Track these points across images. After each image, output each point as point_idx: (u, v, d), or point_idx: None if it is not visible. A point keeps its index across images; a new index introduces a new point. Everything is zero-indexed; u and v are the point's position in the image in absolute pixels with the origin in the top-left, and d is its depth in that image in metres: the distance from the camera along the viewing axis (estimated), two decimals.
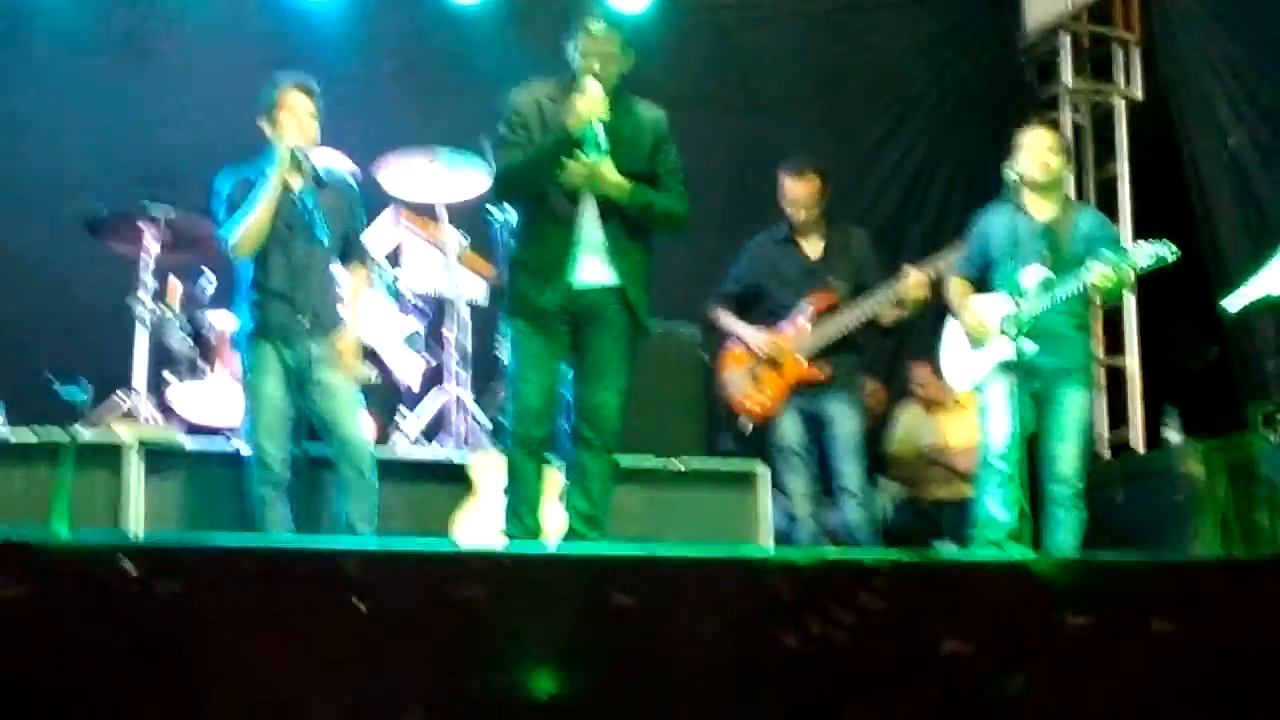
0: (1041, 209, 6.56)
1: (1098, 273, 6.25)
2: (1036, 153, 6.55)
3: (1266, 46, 8.53)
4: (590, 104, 5.57)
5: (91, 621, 3.02)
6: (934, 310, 7.12)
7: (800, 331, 7.12)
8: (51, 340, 7.93)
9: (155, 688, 3.02)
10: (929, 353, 7.49)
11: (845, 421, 7.09)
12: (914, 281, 6.96)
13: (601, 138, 5.59)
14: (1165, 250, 6.26)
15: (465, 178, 7.61)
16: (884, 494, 8.41)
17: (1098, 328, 8.54)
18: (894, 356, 9.00)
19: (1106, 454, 9.36)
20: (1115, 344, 9.58)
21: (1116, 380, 9.61)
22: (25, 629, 2.97)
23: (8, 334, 8.19)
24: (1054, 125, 7.12)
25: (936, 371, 7.24)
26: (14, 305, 8.32)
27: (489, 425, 7.29)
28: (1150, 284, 6.93)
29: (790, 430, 7.13)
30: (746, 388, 7.21)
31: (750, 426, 7.27)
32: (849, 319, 7.09)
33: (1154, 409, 8.99)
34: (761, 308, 7.32)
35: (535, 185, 5.72)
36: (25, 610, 2.97)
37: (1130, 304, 9.41)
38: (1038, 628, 3.52)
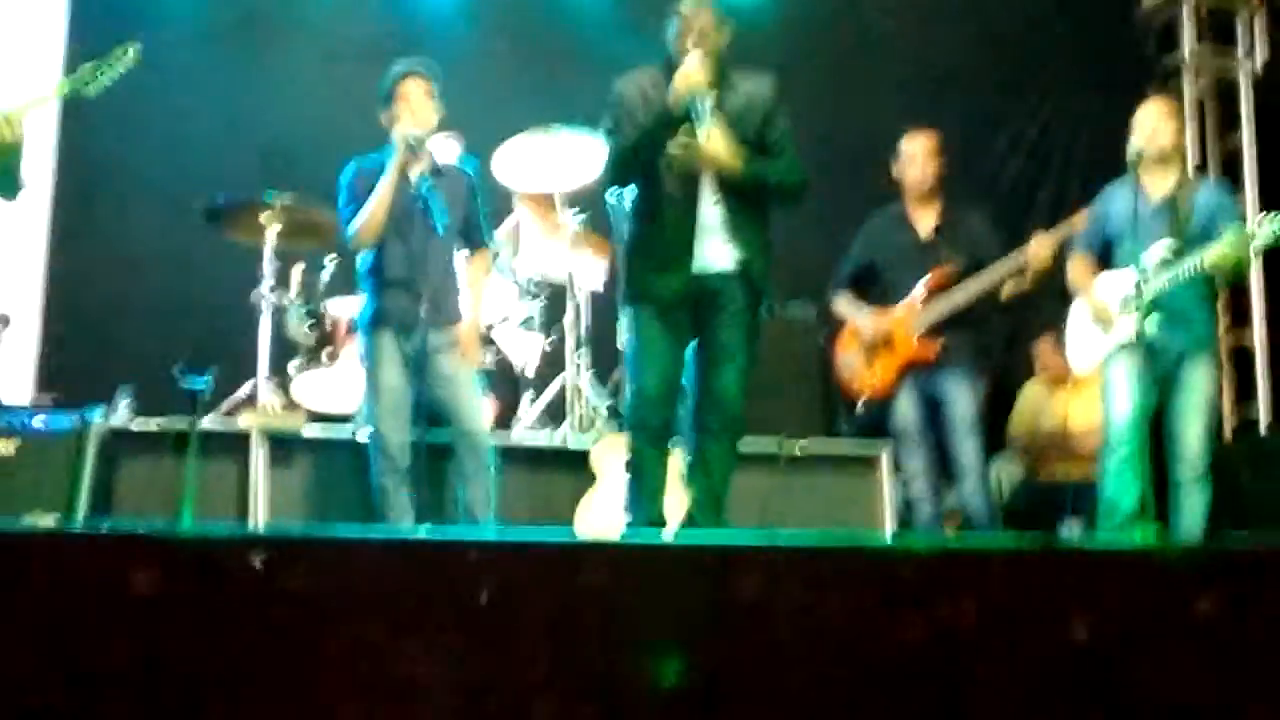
0: (1161, 184, 6.47)
1: (1218, 249, 6.17)
2: (1149, 127, 6.46)
3: None
4: (690, 78, 5.53)
5: (217, 613, 3.06)
6: (1056, 288, 7.04)
7: (913, 309, 7.06)
8: (175, 330, 8.05)
9: (280, 679, 3.06)
10: (1052, 330, 7.41)
11: (961, 400, 6.98)
12: (1037, 246, 6.86)
13: (707, 112, 5.55)
14: None
15: (583, 160, 7.59)
16: (1005, 474, 8.34)
17: (1222, 304, 8.42)
18: (1014, 334, 8.91)
19: (1230, 433, 9.22)
20: (1240, 320, 9.41)
21: (1242, 357, 9.44)
22: (154, 622, 3.02)
23: (132, 324, 8.35)
24: (1168, 96, 6.99)
25: (1059, 348, 7.16)
26: (137, 295, 8.48)
27: (609, 411, 7.30)
28: (1273, 255, 6.82)
29: (906, 410, 7.07)
30: (860, 368, 7.17)
31: (864, 408, 7.24)
32: (963, 295, 7.00)
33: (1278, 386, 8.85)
34: (878, 287, 7.26)
35: (645, 167, 5.68)
36: (154, 603, 3.02)
37: (1256, 279, 9.24)
38: (1164, 613, 3.47)
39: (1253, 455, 7.91)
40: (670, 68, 5.63)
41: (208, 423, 6.47)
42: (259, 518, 6.38)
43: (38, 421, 6.25)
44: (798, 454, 7.12)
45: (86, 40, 8.61)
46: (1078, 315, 6.70)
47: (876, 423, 7.26)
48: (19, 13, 8.67)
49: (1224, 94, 9.87)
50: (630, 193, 5.95)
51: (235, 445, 6.48)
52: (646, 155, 5.63)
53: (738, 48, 5.79)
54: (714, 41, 5.68)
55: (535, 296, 7.69)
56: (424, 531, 5.76)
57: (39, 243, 8.55)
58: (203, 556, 3.13)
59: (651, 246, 5.74)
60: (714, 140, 5.57)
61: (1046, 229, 6.98)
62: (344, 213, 6.28)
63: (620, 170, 5.86)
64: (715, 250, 5.65)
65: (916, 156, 7.15)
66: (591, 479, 6.70)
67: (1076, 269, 6.71)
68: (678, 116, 5.55)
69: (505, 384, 7.45)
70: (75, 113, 8.50)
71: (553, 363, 7.65)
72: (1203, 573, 3.57)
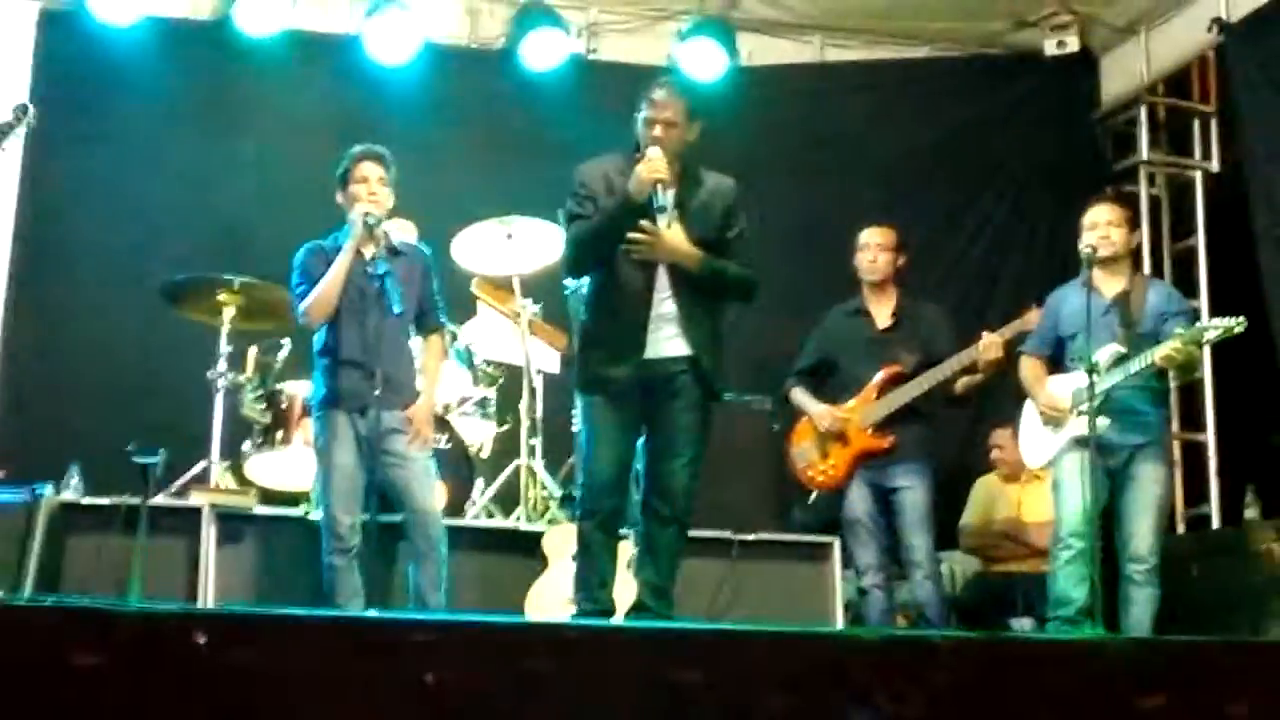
0: (1111, 284, 6.54)
1: (1168, 348, 6.24)
2: (1099, 228, 6.54)
3: None
4: (652, 168, 5.57)
5: (166, 690, 3.05)
6: (1011, 384, 7.08)
7: (866, 402, 7.10)
8: (129, 408, 8.04)
9: None
10: (1008, 420, 7.46)
11: (912, 493, 7.00)
12: (987, 343, 6.92)
13: (668, 203, 5.60)
14: (1232, 322, 6.27)
15: (539, 247, 7.64)
16: (957, 567, 8.36)
17: (1174, 405, 8.49)
18: (970, 427, 8.96)
19: (1182, 529, 9.25)
20: (1192, 420, 9.47)
21: (1194, 456, 9.49)
22: (101, 697, 3.00)
23: (86, 401, 8.32)
24: (1118, 199, 7.08)
25: (1015, 442, 7.20)
26: (91, 372, 8.47)
27: (561, 498, 7.29)
28: (1225, 358, 6.89)
29: (858, 502, 7.09)
30: (814, 460, 7.20)
31: (815, 498, 7.26)
32: (915, 388, 7.05)
33: (1232, 485, 8.89)
34: (835, 380, 7.30)
35: (603, 254, 5.70)
36: (101, 678, 3.00)
37: (1207, 379, 9.31)
38: (1111, 709, 3.48)
39: (1202, 550, 7.94)
40: (635, 155, 5.67)
41: (159, 500, 6.45)
42: (208, 595, 6.35)
43: None
44: (751, 541, 7.13)
45: (47, 118, 8.65)
46: (1029, 413, 6.75)
47: (829, 515, 7.28)
48: None
49: (1178, 196, 9.98)
50: (586, 282, 5.98)
51: (186, 522, 6.46)
52: (606, 241, 5.65)
53: (702, 142, 5.83)
54: (680, 134, 5.72)
55: (491, 382, 7.69)
56: (372, 612, 5.73)
57: None
58: (147, 632, 3.12)
59: (605, 334, 5.76)
60: (674, 232, 5.62)
61: (998, 326, 7.05)
62: (296, 292, 6.29)
63: (580, 255, 5.86)
64: (667, 340, 5.67)
65: (870, 249, 7.22)
66: (543, 564, 6.69)
67: (1028, 369, 6.77)
68: (639, 205, 5.59)
69: (458, 467, 7.43)
70: (34, 186, 8.53)
71: (507, 449, 7.64)
72: (1149, 669, 3.59)
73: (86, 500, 6.49)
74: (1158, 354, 6.27)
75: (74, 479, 6.70)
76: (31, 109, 6.35)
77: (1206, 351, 7.73)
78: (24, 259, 8.58)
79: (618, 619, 5.65)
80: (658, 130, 5.66)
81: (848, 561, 7.18)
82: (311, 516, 6.46)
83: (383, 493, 6.11)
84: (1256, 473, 8.40)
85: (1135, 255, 7.05)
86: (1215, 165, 9.83)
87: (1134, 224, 6.88)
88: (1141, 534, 6.36)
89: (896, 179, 9.59)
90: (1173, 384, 6.80)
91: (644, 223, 5.57)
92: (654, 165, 5.57)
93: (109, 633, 3.08)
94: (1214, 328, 6.35)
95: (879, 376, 7.10)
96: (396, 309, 6.07)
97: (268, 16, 8.88)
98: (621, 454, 5.69)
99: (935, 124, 9.90)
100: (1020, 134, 10.00)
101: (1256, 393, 8.69)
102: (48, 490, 6.38)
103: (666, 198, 5.60)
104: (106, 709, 3.00)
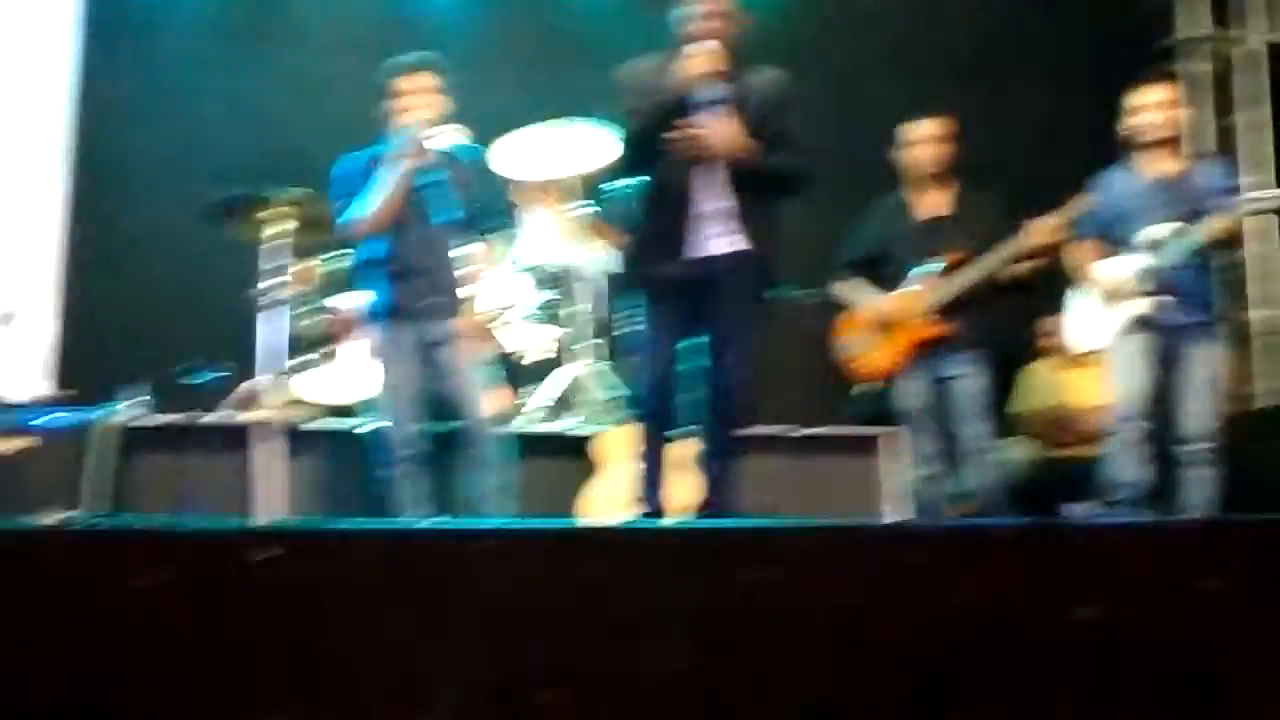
0: (1159, 165, 6.48)
1: (1217, 224, 6.19)
2: (1144, 111, 6.47)
3: None
4: (699, 62, 5.54)
5: (227, 608, 3.08)
6: (1060, 271, 7.03)
7: (922, 290, 7.05)
8: (185, 325, 8.09)
9: (290, 670, 3.08)
10: (1056, 307, 7.41)
11: (969, 380, 6.96)
12: (1036, 229, 6.85)
13: (721, 96, 5.56)
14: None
15: (590, 150, 7.61)
16: (1013, 454, 8.34)
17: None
18: (1028, 314, 8.92)
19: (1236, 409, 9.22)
20: (1240, 298, 9.41)
21: (1244, 334, 9.44)
22: (167, 616, 3.03)
23: (145, 320, 8.38)
24: (1163, 79, 6.99)
25: (1063, 323, 7.16)
26: (149, 291, 8.51)
27: (616, 400, 7.30)
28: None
29: (913, 392, 7.07)
30: (865, 351, 7.16)
31: (866, 389, 7.25)
32: (973, 275, 6.99)
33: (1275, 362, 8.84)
34: (888, 270, 7.25)
35: (654, 152, 5.66)
36: (166, 597, 3.03)
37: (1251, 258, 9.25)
38: (1172, 591, 3.48)
39: (1257, 432, 7.90)
40: (679, 52, 5.62)
41: (213, 418, 6.49)
42: (267, 511, 6.40)
43: (51, 418, 6.29)
44: (800, 436, 7.14)
45: (97, 38, 8.68)
46: (1079, 298, 6.71)
47: (884, 406, 7.26)
48: (28, 12, 8.69)
49: (1226, 70, 9.85)
50: (621, 185, 5.95)
51: (243, 440, 6.50)
52: (654, 141, 5.61)
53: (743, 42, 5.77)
54: (730, 25, 5.67)
55: (551, 285, 7.68)
56: (429, 522, 5.77)
57: (52, 239, 8.57)
58: (206, 551, 3.14)
59: (655, 231, 5.72)
60: (718, 128, 5.57)
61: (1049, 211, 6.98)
62: (337, 204, 6.27)
63: (633, 156, 5.83)
64: (718, 236, 5.65)
65: (920, 144, 7.13)
66: (593, 468, 6.71)
67: (1081, 252, 6.71)
68: (682, 103, 5.55)
69: (516, 374, 7.46)
70: (85, 107, 8.58)
71: (568, 351, 7.66)
72: (1208, 550, 3.58)
73: (145, 421, 6.53)
74: (1208, 232, 6.21)
75: (137, 398, 6.75)
76: None
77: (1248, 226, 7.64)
78: (80, 180, 8.67)
79: (674, 520, 5.67)
80: (702, 25, 5.62)
81: (909, 451, 7.17)
82: (366, 429, 6.49)
83: (437, 402, 6.15)
84: None
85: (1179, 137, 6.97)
86: (1264, 37, 9.69)
87: (1179, 103, 6.79)
88: (1198, 414, 6.33)
89: (939, 69, 9.50)
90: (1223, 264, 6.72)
91: (687, 119, 5.53)
92: (706, 57, 5.53)
93: (169, 553, 3.11)
94: (1260, 201, 6.30)
95: (941, 262, 7.03)
96: (448, 219, 6.06)
97: None
98: (674, 354, 5.69)
99: (976, 9, 9.79)
100: (1063, 15, 9.87)
101: None
102: (111, 409, 6.42)
103: (719, 91, 5.57)
104: (168, 628, 3.04)
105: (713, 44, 5.58)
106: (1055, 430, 8.32)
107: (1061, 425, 8.30)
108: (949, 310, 6.99)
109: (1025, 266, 6.96)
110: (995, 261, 6.95)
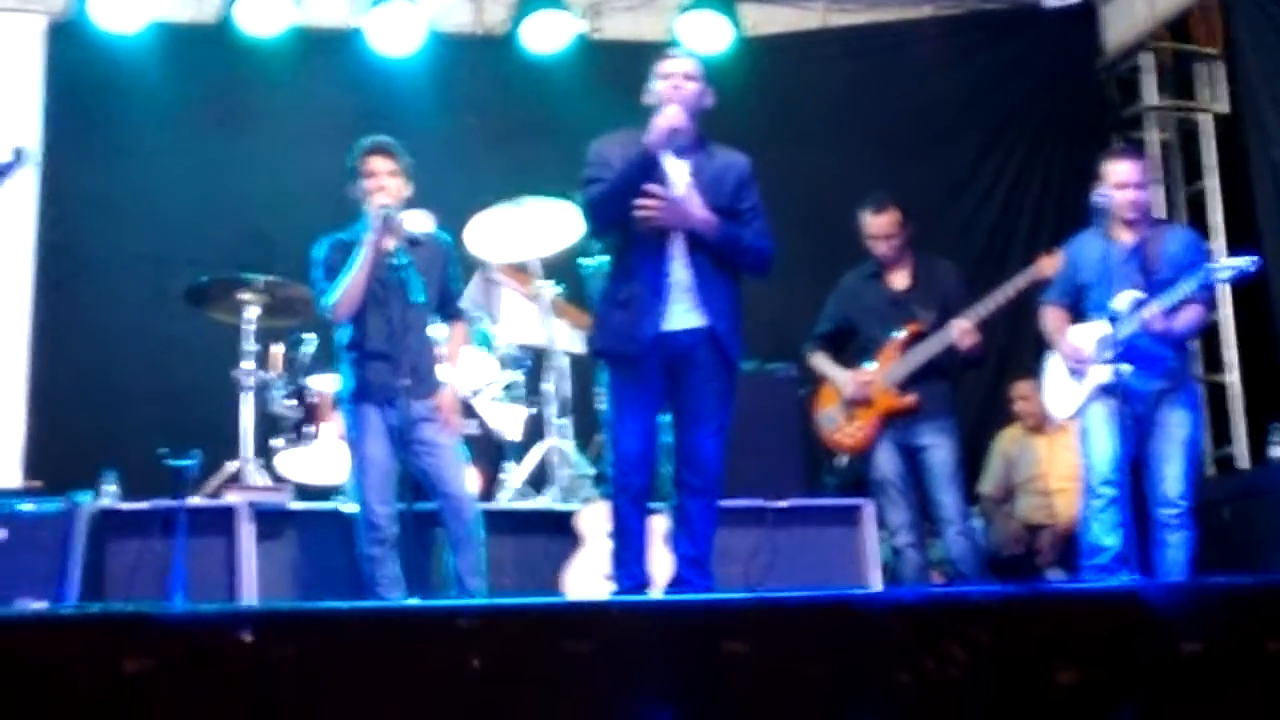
0: (1129, 232, 6.53)
1: (1183, 290, 6.26)
2: (1119, 187, 6.49)
3: None
4: (668, 119, 5.59)
5: (215, 690, 3.09)
6: (1031, 335, 7.10)
7: (889, 361, 7.12)
8: (160, 411, 8.10)
9: None
10: (1029, 372, 7.47)
11: (939, 450, 7.04)
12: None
13: (681, 169, 5.64)
14: (1243, 261, 6.31)
15: (555, 228, 7.66)
16: (986, 521, 8.37)
17: (1198, 345, 8.51)
18: (989, 387, 8.99)
19: (1211, 470, 9.28)
20: (1215, 361, 9.47)
21: (1218, 397, 9.50)
22: (150, 701, 3.04)
23: (117, 407, 8.37)
24: (1137, 153, 7.04)
25: (1036, 393, 7.21)
26: (121, 378, 8.51)
27: (592, 475, 7.32)
28: (1245, 298, 6.89)
29: (885, 462, 7.11)
30: (839, 423, 7.22)
31: (845, 461, 7.30)
32: (936, 344, 7.07)
33: (1257, 425, 8.88)
34: (855, 344, 7.33)
35: (619, 213, 5.66)
36: (151, 683, 3.04)
37: (1229, 320, 9.32)
38: (1150, 655, 3.50)
39: (1231, 494, 7.95)
40: (647, 124, 5.67)
41: (195, 501, 6.49)
42: (249, 593, 6.39)
43: (26, 506, 6.28)
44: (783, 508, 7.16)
45: (62, 124, 8.70)
46: (1053, 364, 6.76)
47: (858, 477, 7.31)
48: None
49: (1187, 140, 9.97)
50: (604, 253, 5.98)
51: (223, 522, 6.50)
52: (623, 199, 5.62)
53: (711, 115, 5.84)
54: (697, 92, 5.73)
55: (518, 366, 7.71)
56: (413, 601, 5.77)
57: (21, 329, 8.56)
58: (193, 634, 3.15)
59: (621, 305, 5.73)
60: (689, 197, 5.64)
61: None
62: (318, 287, 6.32)
63: (599, 216, 5.85)
64: (684, 310, 5.67)
65: (879, 234, 7.21)
66: (578, 543, 6.73)
67: (1050, 318, 6.77)
68: (649, 162, 5.60)
69: (488, 453, 7.48)
70: (52, 198, 8.59)
71: (535, 431, 7.67)
72: (1187, 613, 3.60)
73: (124, 506, 6.53)
74: (1175, 297, 6.28)
75: (110, 485, 6.75)
76: (27, 151, 6.39)
77: (1226, 292, 7.70)
78: (48, 269, 8.66)
79: (656, 593, 5.68)
80: (675, 84, 5.68)
81: (881, 522, 7.20)
82: (345, 509, 6.50)
83: (416, 482, 6.16)
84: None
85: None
86: (1224, 106, 9.80)
87: (1150, 181, 6.87)
88: (1172, 477, 6.36)
89: (904, 141, 9.60)
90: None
91: (653, 186, 5.58)
92: (670, 116, 5.59)
93: (156, 637, 3.11)
94: (1226, 269, 6.38)
95: (901, 335, 7.11)
96: (420, 300, 6.11)
97: (272, 16, 8.93)
98: (647, 427, 5.70)
99: (941, 82, 9.89)
100: (1026, 88, 10.01)
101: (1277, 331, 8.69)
102: (85, 498, 6.42)
103: (683, 158, 5.65)
104: (157, 713, 3.04)
105: (684, 105, 5.65)
106: (1029, 496, 8.37)
107: (1035, 491, 8.35)
108: (917, 380, 7.06)
109: (970, 340, 7.01)
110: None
